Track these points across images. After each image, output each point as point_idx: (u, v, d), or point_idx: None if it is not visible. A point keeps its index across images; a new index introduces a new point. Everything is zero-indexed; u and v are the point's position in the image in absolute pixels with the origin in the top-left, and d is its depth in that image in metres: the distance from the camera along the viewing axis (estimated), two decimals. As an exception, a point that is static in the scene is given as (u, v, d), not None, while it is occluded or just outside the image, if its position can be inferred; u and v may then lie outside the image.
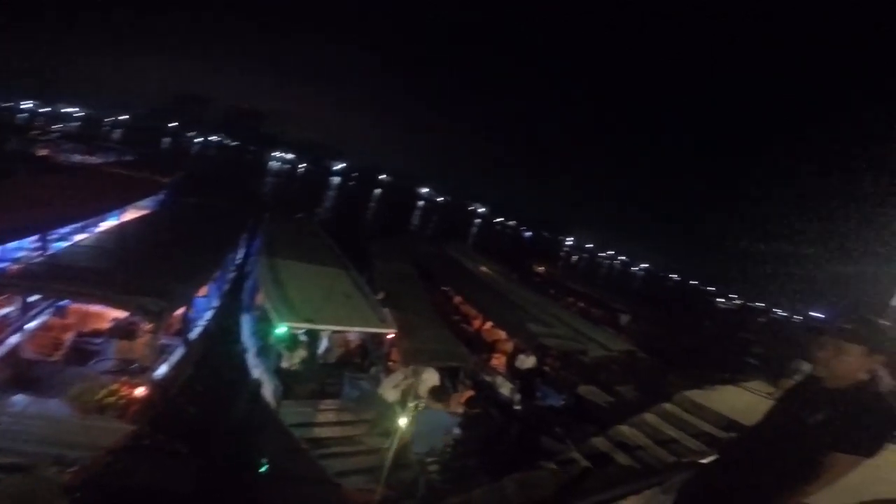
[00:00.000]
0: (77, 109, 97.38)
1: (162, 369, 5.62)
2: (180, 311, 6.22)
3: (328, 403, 6.72)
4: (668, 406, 7.82)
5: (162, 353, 5.87)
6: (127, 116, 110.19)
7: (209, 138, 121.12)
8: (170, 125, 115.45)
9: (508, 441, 6.86)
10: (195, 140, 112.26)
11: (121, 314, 6.07)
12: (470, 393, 7.03)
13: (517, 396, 8.89)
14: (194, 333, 6.80)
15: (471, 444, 6.40)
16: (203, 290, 7.71)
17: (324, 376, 7.26)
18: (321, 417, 6.39)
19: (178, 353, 6.07)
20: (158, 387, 5.28)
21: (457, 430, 6.25)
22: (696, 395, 7.96)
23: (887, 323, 1.93)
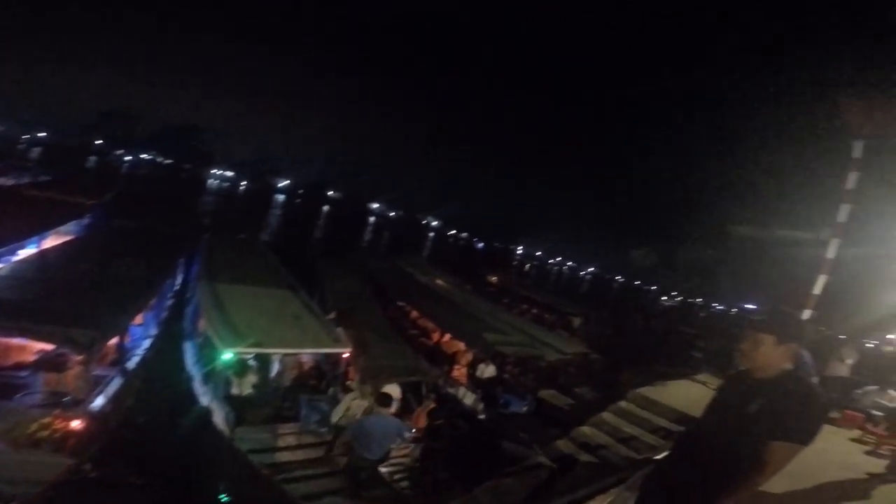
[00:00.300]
0: None
1: (98, 401, 5.45)
2: (114, 340, 5.98)
3: (286, 427, 6.52)
4: (624, 404, 8.06)
5: (96, 384, 5.66)
6: (45, 134, 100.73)
7: (140, 156, 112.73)
8: (96, 143, 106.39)
9: (476, 450, 6.84)
10: (125, 158, 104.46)
11: (46, 346, 5.74)
12: (433, 406, 6.91)
13: (480, 405, 8.88)
14: (132, 363, 6.62)
15: (439, 456, 6.34)
16: (139, 319, 7.40)
17: (279, 400, 7.06)
18: (280, 442, 6.20)
19: (116, 384, 5.88)
20: (97, 419, 5.13)
21: (407, 434, 6.28)
22: (649, 391, 8.26)
23: (797, 312, 2.05)
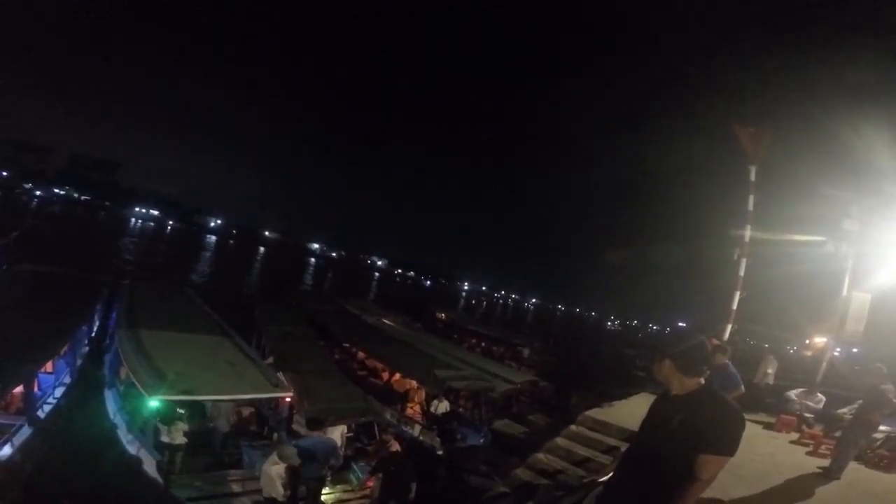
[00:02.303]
0: None
1: (5, 450, 5.22)
2: (19, 388, 5.71)
3: (229, 474, 6.27)
4: (575, 427, 8.14)
5: (2, 433, 5.37)
6: None
7: (53, 191, 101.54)
8: (1, 174, 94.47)
9: (439, 485, 6.63)
10: (35, 193, 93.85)
11: None
12: (394, 445, 6.66)
13: (438, 441, 8.65)
14: (43, 412, 6.36)
15: (403, 496, 6.12)
16: (48, 367, 7.07)
17: (218, 447, 6.83)
18: (223, 489, 5.95)
19: (24, 434, 5.57)
20: (4, 469, 4.91)
21: (338, 457, 6.42)
22: (598, 412, 8.43)
23: (695, 332, 2.25)
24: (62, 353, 7.48)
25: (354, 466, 6.90)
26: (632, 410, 8.83)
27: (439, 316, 29.31)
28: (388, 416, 8.67)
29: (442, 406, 10.07)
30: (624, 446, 6.96)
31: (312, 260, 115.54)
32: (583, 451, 7.34)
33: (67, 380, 7.56)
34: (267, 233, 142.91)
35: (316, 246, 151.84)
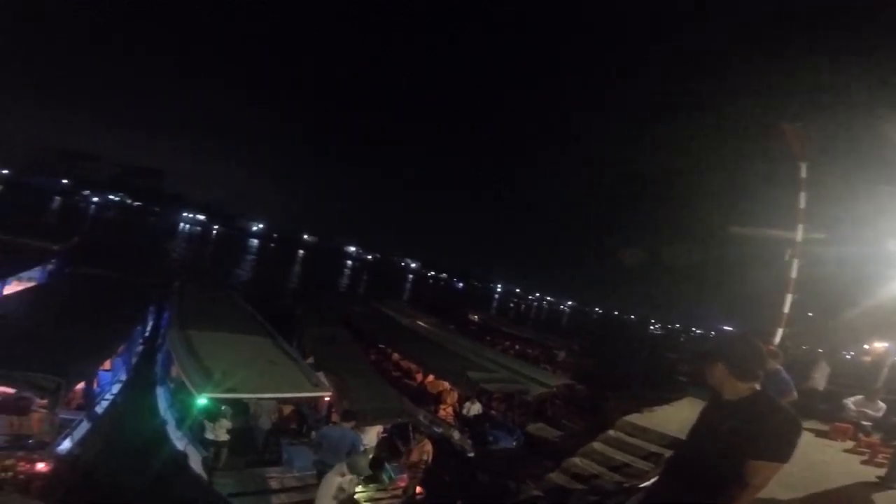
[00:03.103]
0: None
1: (66, 444, 5.47)
2: (80, 385, 5.95)
3: (268, 471, 6.43)
4: (612, 432, 7.98)
5: (63, 427, 5.63)
6: (7, 171, 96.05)
7: (109, 197, 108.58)
8: (62, 182, 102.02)
9: (472, 488, 6.65)
10: (92, 200, 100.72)
11: (7, 390, 5.67)
12: (427, 446, 6.75)
13: (469, 443, 8.66)
14: (101, 408, 6.64)
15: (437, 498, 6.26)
16: (107, 364, 7.38)
17: (260, 445, 7.02)
18: (262, 486, 6.12)
19: (84, 428, 5.87)
20: (65, 462, 5.16)
21: (361, 448, 6.51)
22: (637, 418, 8.23)
23: (749, 336, 2.15)
24: (119, 351, 7.83)
25: (387, 466, 6.99)
26: (674, 416, 8.56)
27: (472, 318, 29.29)
28: (420, 417, 8.75)
29: (474, 408, 10.07)
30: (665, 453, 6.75)
31: (349, 262, 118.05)
32: (620, 457, 7.18)
33: (123, 377, 7.92)
34: (305, 236, 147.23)
35: (352, 248, 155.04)
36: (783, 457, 1.79)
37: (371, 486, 6.60)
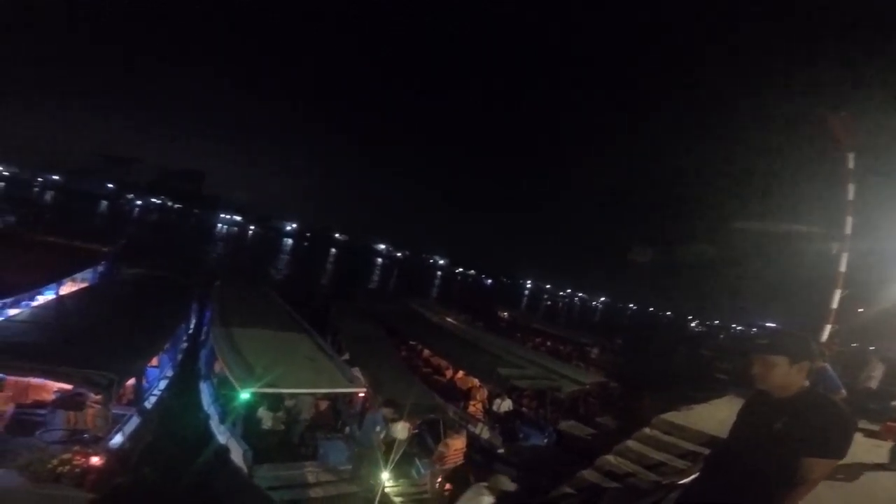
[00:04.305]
0: (1, 168, 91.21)
1: (117, 439, 5.63)
2: (131, 381, 6.20)
3: (305, 465, 6.57)
4: (648, 430, 7.81)
5: (115, 422, 5.85)
6: (58, 177, 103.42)
7: (151, 200, 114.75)
8: (108, 186, 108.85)
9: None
10: (136, 203, 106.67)
11: (65, 386, 5.98)
12: (458, 443, 6.82)
13: (499, 440, 8.68)
14: (150, 403, 6.85)
15: (459, 491, 6.19)
16: (154, 361, 7.63)
17: (297, 439, 7.15)
18: (299, 479, 6.26)
19: (134, 423, 6.08)
20: (116, 456, 5.30)
21: (379, 427, 6.84)
22: (675, 416, 8.02)
23: (804, 330, 2.09)
24: (165, 348, 8.16)
25: (417, 462, 7.09)
26: (713, 414, 8.30)
27: (502, 314, 29.19)
28: (450, 413, 8.83)
29: (505, 405, 10.07)
30: (704, 451, 6.57)
31: (379, 260, 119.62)
32: (656, 455, 7.04)
33: (170, 373, 8.22)
34: (337, 235, 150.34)
35: (382, 246, 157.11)
36: (839, 453, 1.78)
37: (400, 480, 6.73)
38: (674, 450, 6.98)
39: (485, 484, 4.78)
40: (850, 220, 10.54)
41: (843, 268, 10.94)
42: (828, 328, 11.03)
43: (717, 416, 8.14)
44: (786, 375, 1.93)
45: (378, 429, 6.80)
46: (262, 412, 7.25)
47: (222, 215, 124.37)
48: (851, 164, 9.66)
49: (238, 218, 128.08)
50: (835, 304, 11.15)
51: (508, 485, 4.96)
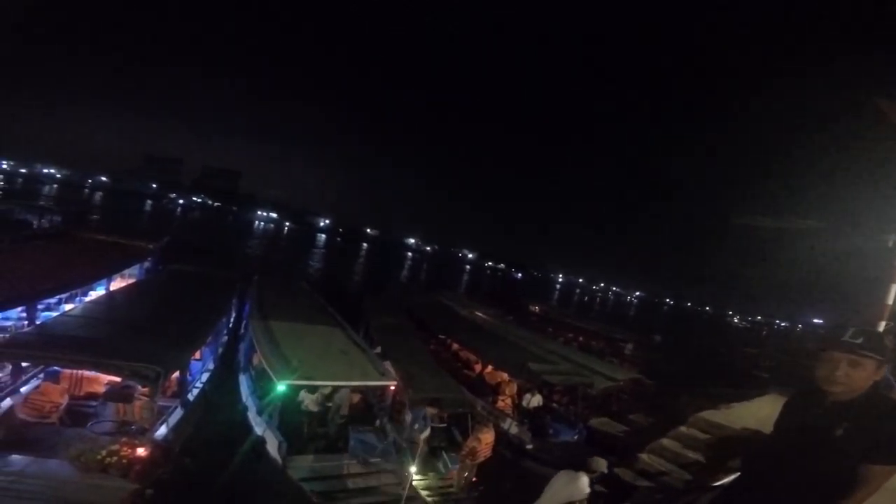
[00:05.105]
0: (55, 171, 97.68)
1: (162, 430, 5.78)
2: (175, 374, 6.36)
3: (337, 457, 6.68)
4: (685, 429, 7.58)
5: (160, 414, 6.03)
6: (105, 178, 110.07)
7: (192, 199, 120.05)
8: (152, 186, 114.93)
9: (523, 480, 6.63)
10: (178, 201, 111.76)
11: (115, 379, 6.21)
12: (488, 436, 6.83)
13: (528, 435, 8.62)
14: (192, 395, 7.02)
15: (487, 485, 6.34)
16: (197, 354, 7.83)
17: (330, 431, 7.25)
18: (331, 471, 6.36)
19: (177, 415, 6.26)
20: (160, 447, 5.44)
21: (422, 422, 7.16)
22: (713, 414, 7.75)
23: (888, 333, 1.93)
24: (207, 341, 8.39)
25: (445, 456, 7.14)
26: (754, 413, 7.97)
27: (533, 309, 28.86)
28: (479, 407, 8.83)
29: (534, 400, 9.98)
30: (744, 452, 6.32)
31: (409, 254, 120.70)
32: (693, 455, 6.83)
33: (211, 366, 8.51)
34: (368, 230, 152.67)
35: (412, 241, 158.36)
36: None
37: (429, 474, 6.79)
38: (712, 449, 6.75)
39: (569, 471, 4.85)
40: (909, 210, 9.80)
41: (901, 261, 10.21)
42: (882, 325, 10.32)
43: (759, 415, 7.81)
44: (868, 378, 1.80)
45: (417, 427, 6.98)
46: (303, 395, 7.44)
47: (259, 212, 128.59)
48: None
49: (274, 215, 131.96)
50: (891, 301, 10.41)
51: (604, 467, 5.00)
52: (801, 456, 1.86)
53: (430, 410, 7.19)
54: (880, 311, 10.70)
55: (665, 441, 7.30)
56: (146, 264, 13.86)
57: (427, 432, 7.10)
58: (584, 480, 4.57)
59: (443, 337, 14.79)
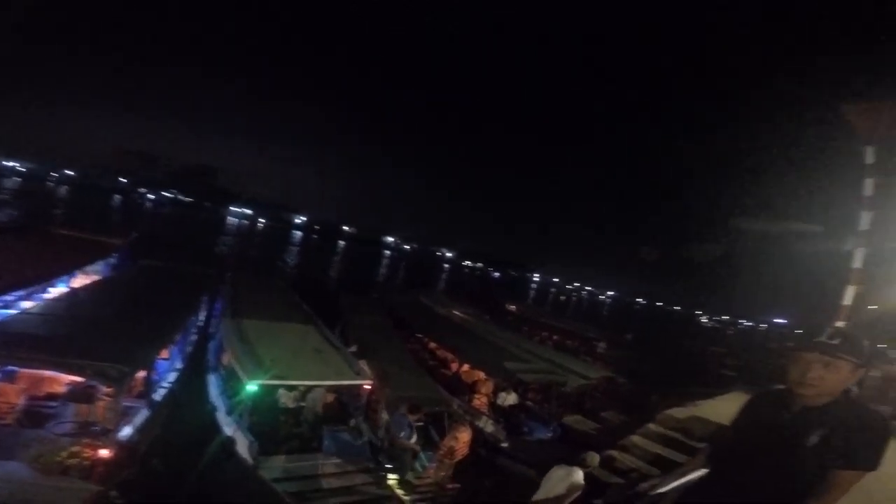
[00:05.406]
0: (17, 164, 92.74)
1: (126, 431, 5.66)
2: (141, 373, 6.19)
3: (310, 457, 6.59)
4: (653, 426, 7.82)
5: (124, 415, 5.86)
6: (73, 173, 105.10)
7: (163, 194, 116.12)
8: (121, 181, 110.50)
9: (502, 478, 6.72)
10: (148, 197, 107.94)
11: (77, 378, 5.95)
12: (465, 436, 6.87)
13: (503, 434, 8.71)
14: (159, 395, 6.85)
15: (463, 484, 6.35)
16: (165, 353, 7.64)
17: (303, 431, 7.16)
18: (305, 471, 6.27)
19: (143, 415, 6.09)
20: (125, 448, 5.32)
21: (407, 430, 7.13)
22: (680, 412, 8.00)
23: (862, 334, 1.94)
24: (176, 340, 8.14)
25: (421, 455, 7.15)
26: (719, 411, 8.25)
27: (509, 308, 29.09)
28: (455, 406, 8.88)
29: (510, 398, 10.09)
30: (710, 448, 6.53)
31: (387, 252, 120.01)
32: (661, 451, 7.05)
33: (179, 365, 8.21)
34: (345, 227, 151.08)
35: (390, 239, 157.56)
36: (873, 465, 1.67)
37: (405, 474, 6.77)
38: (679, 446, 6.98)
39: (564, 466, 4.89)
40: (866, 216, 10.34)
41: (858, 264, 10.76)
42: (838, 325, 10.86)
43: (724, 412, 8.07)
44: (843, 381, 1.73)
45: (403, 434, 6.98)
46: (281, 391, 7.33)
47: (233, 209, 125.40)
48: (871, 159, 9.45)
49: (248, 211, 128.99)
50: (847, 301, 10.98)
51: (597, 462, 5.21)
52: (767, 457, 1.82)
53: (411, 417, 7.19)
54: (838, 311, 11.27)
55: (636, 438, 7.51)
56: (112, 260, 13.32)
57: (414, 438, 7.12)
58: (579, 474, 4.74)
59: (420, 336, 14.78)
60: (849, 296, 10.86)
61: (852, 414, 1.72)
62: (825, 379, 1.74)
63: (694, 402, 8.88)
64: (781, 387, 1.94)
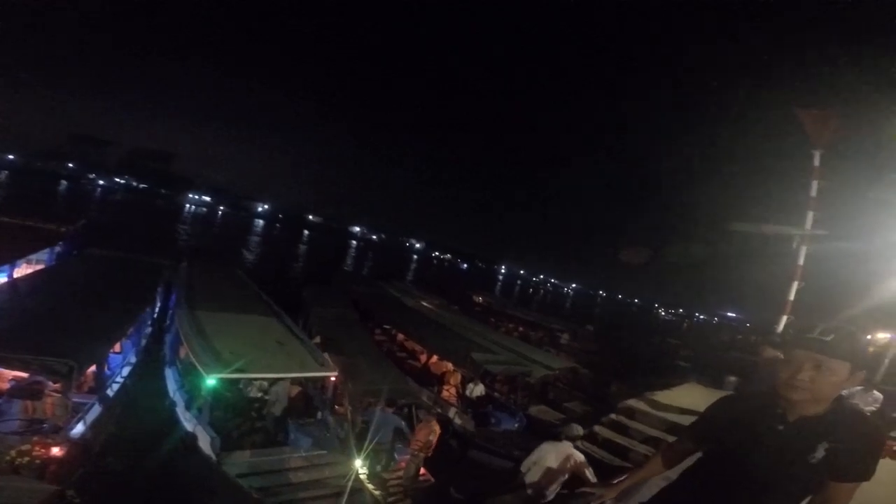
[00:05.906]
0: None
1: (79, 428, 5.48)
2: (92, 368, 5.99)
3: (276, 451, 6.45)
4: (614, 416, 8.08)
5: (76, 411, 5.65)
6: (13, 157, 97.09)
7: (115, 180, 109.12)
8: (68, 166, 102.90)
9: (471, 469, 6.79)
10: (98, 183, 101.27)
11: (21, 374, 5.73)
12: (435, 429, 6.87)
13: (471, 424, 8.81)
14: (112, 390, 6.66)
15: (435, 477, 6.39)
16: (117, 347, 7.38)
17: (267, 425, 7.01)
18: (271, 465, 6.14)
19: (95, 411, 5.89)
20: (78, 446, 5.15)
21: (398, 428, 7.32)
22: (637, 402, 8.30)
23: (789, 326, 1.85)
24: (128, 334, 7.82)
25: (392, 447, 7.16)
26: (675, 401, 8.62)
27: (476, 299, 29.41)
28: (424, 398, 8.88)
29: (477, 389, 10.21)
30: (666, 438, 6.81)
31: (354, 243, 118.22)
32: (622, 441, 7.30)
33: (133, 359, 7.94)
34: (311, 217, 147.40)
35: (357, 229, 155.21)
36: (868, 475, 1.55)
37: (376, 467, 6.75)
38: (638, 435, 7.25)
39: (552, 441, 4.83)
40: (811, 216, 11.04)
41: (801, 261, 11.50)
42: (784, 319, 11.62)
43: (679, 402, 8.46)
44: (838, 385, 1.54)
45: (382, 433, 7.00)
46: (243, 385, 7.17)
47: (191, 196, 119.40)
48: (817, 162, 10.04)
49: (207, 198, 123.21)
50: (791, 296, 11.74)
51: (581, 432, 5.20)
52: (756, 470, 1.65)
53: (389, 410, 7.29)
54: (783, 306, 12.00)
55: (597, 428, 7.75)
56: (57, 249, 12.44)
57: (391, 435, 7.15)
58: (571, 447, 4.76)
59: (388, 327, 14.68)
60: (793, 291, 11.62)
61: (853, 426, 1.56)
62: (816, 381, 1.55)
63: (652, 392, 9.24)
64: (768, 390, 1.74)
